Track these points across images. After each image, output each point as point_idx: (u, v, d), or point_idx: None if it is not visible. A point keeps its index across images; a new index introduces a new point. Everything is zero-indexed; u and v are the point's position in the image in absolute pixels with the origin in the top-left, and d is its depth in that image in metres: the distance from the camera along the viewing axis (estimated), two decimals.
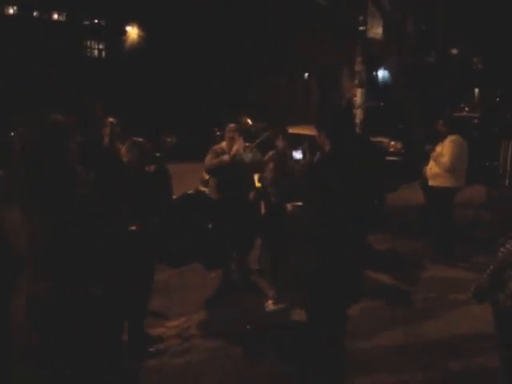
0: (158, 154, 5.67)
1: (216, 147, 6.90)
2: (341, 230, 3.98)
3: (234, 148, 6.64)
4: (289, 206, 5.43)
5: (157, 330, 5.61)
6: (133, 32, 31.24)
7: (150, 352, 5.16)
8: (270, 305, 6.26)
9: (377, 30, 9.59)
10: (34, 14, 32.27)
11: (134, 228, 4.85)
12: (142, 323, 5.33)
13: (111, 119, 5.47)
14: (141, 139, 5.30)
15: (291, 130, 7.83)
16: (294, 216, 5.25)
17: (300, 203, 4.81)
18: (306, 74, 29.44)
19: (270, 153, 6.61)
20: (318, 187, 4.04)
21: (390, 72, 18.24)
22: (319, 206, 3.99)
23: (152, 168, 5.34)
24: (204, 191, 8.57)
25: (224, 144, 6.84)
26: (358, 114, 9.56)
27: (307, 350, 4.65)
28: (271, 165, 6.43)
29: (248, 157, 6.77)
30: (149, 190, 5.13)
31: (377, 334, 5.53)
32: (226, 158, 6.64)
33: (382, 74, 29.82)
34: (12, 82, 22.85)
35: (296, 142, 6.89)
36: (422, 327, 5.71)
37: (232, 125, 6.84)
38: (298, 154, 7.15)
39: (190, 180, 10.50)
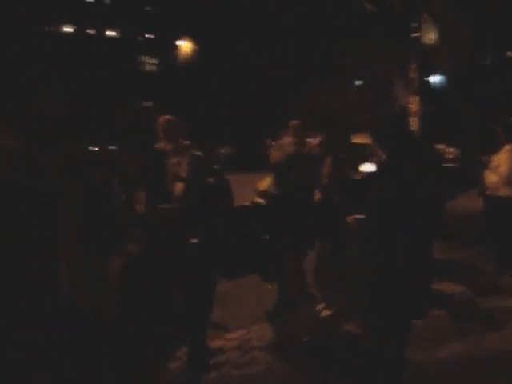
0: (216, 167, 5.72)
1: (279, 142, 6.99)
2: (393, 239, 3.92)
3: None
4: (349, 219, 5.37)
5: (216, 341, 5.64)
6: (185, 46, 31.68)
7: (210, 364, 5.20)
8: (321, 310, 6.25)
9: (430, 36, 9.46)
10: (89, 31, 33.17)
11: (195, 241, 4.91)
12: (204, 335, 5.36)
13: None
14: (200, 153, 5.37)
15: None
16: (353, 229, 5.19)
17: (360, 216, 4.76)
18: (358, 82, 29.19)
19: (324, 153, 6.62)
20: (374, 197, 4.00)
21: (445, 77, 17.94)
22: (373, 216, 3.95)
23: (212, 181, 5.40)
24: (260, 203, 8.61)
25: (286, 139, 6.90)
26: (414, 121, 9.46)
27: (366, 363, 4.59)
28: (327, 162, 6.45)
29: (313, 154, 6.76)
30: (209, 203, 5.19)
31: (438, 346, 5.41)
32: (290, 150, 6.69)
33: (435, 79, 29.34)
34: (70, 97, 23.43)
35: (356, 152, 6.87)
36: (486, 339, 5.56)
37: (295, 121, 6.90)
38: (366, 167, 7.09)
39: (245, 191, 10.54)
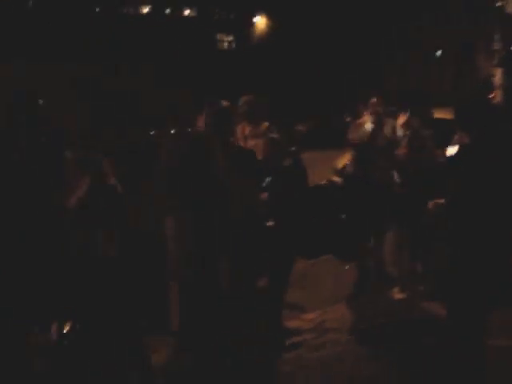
0: (293, 148, 5.67)
1: (358, 122, 6.85)
2: (472, 227, 3.78)
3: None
4: (430, 204, 5.20)
5: (293, 322, 5.66)
6: (261, 23, 31.57)
7: (286, 345, 5.22)
8: (395, 293, 6.16)
9: None
10: (167, 11, 33.57)
11: (270, 224, 4.93)
12: (280, 316, 5.39)
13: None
14: (276, 135, 5.33)
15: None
16: (434, 214, 5.03)
17: (442, 201, 4.59)
18: (439, 52, 28.24)
19: (407, 132, 6.42)
20: (456, 182, 3.86)
21: None
22: (455, 203, 3.81)
23: (288, 162, 5.37)
24: (337, 181, 8.54)
25: (365, 118, 6.74)
26: (498, 94, 9.07)
27: (444, 348, 4.47)
28: (405, 142, 6.27)
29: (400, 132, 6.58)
30: (285, 186, 5.18)
31: None
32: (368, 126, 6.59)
33: None
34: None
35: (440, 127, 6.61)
36: None
37: (375, 99, 6.72)
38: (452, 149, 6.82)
39: (322, 169, 10.45)
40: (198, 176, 3.94)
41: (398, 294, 6.16)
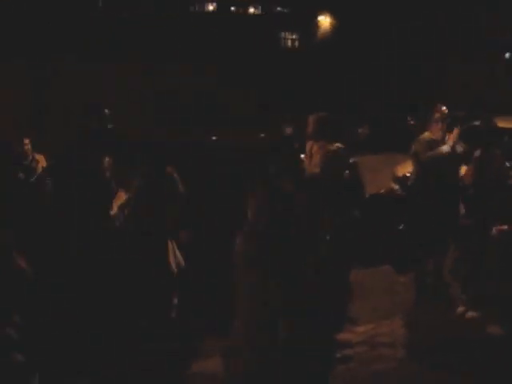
0: (352, 160, 5.64)
1: (423, 139, 6.57)
2: None
3: (451, 137, 6.29)
4: (494, 230, 5.07)
5: (344, 335, 5.64)
6: (325, 21, 31.39)
7: (337, 357, 5.21)
8: (460, 311, 6.03)
9: None
10: (232, 8, 33.81)
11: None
12: (332, 327, 5.38)
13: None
14: (335, 146, 5.29)
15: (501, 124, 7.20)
16: (495, 241, 4.90)
17: (506, 227, 4.45)
18: (508, 54, 27.46)
19: (477, 151, 6.24)
20: None
21: None
22: None
23: (347, 175, 5.35)
24: (396, 190, 8.43)
25: (429, 134, 6.49)
26: None
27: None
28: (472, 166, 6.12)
29: (459, 148, 6.38)
30: (342, 196, 5.16)
31: None
32: (445, 148, 6.21)
33: None
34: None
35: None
36: None
37: (444, 108, 6.47)
38: None
39: (384, 174, 10.33)
40: None
41: (467, 313, 6.03)
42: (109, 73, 19.66)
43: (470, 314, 5.96)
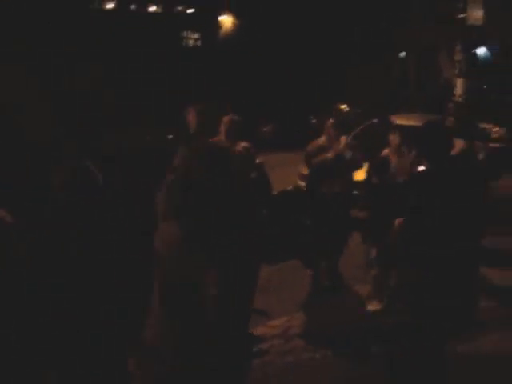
0: (258, 161, 5.76)
1: (316, 143, 6.90)
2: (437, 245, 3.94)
3: (338, 146, 6.63)
4: (396, 222, 5.35)
5: (259, 329, 5.77)
6: (227, 20, 31.55)
7: (253, 351, 5.33)
8: (371, 304, 6.31)
9: (477, 16, 9.23)
10: (132, 7, 33.23)
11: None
12: (247, 322, 5.49)
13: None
14: (241, 146, 5.39)
15: (399, 121, 7.57)
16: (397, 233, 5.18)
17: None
18: (403, 53, 28.62)
19: (386, 150, 6.61)
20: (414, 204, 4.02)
21: (491, 54, 17.50)
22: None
23: (253, 175, 5.45)
24: (303, 186, 8.66)
25: (324, 139, 6.84)
26: (460, 102, 9.31)
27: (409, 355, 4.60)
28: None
29: (348, 154, 6.74)
30: (250, 197, 5.25)
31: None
32: (329, 155, 6.64)
33: (481, 51, 28.55)
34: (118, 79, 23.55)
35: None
36: None
37: (331, 120, 6.83)
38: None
39: (289, 172, 10.58)
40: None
41: (370, 305, 6.31)
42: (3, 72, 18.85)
43: (373, 304, 6.27)
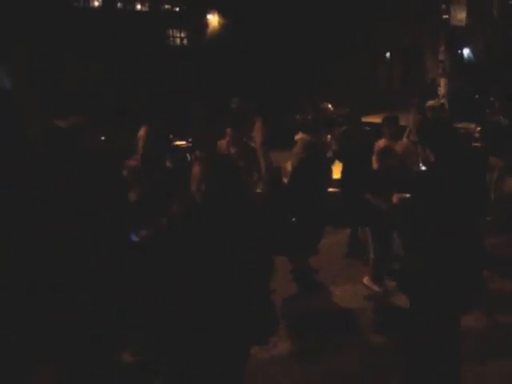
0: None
1: (303, 139, 7.06)
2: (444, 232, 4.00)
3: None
4: (395, 198, 5.48)
5: None
6: (213, 19, 31.56)
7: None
8: (367, 281, 6.45)
9: (460, 17, 9.37)
10: (118, 5, 33.11)
11: None
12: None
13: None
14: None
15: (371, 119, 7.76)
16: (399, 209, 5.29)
17: (407, 195, 4.81)
18: (388, 54, 28.81)
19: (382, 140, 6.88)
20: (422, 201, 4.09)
21: (475, 55, 17.69)
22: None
23: None
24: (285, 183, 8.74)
25: (308, 135, 6.99)
26: (444, 103, 9.44)
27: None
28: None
29: (330, 153, 6.92)
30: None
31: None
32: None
33: (467, 52, 28.82)
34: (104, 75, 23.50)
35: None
36: None
37: (309, 117, 7.00)
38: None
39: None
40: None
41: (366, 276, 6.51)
42: None
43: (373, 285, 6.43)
